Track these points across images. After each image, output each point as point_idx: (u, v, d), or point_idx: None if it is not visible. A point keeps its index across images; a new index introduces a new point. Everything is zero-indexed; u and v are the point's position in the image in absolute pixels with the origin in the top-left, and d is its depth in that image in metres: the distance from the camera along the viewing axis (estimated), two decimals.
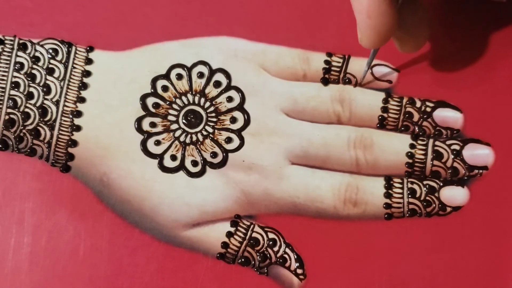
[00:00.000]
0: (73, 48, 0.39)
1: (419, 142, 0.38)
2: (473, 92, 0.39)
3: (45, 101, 0.37)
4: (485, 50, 0.40)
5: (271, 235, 0.36)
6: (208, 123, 0.38)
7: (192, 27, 0.40)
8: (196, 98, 0.38)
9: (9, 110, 0.37)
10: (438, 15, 0.40)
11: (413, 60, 0.39)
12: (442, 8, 0.40)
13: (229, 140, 0.37)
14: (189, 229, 0.36)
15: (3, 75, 0.37)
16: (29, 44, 0.38)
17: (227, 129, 0.38)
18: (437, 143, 0.38)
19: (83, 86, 0.38)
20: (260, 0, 0.40)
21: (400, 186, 0.37)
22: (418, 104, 0.39)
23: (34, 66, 0.38)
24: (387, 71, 0.39)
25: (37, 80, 0.38)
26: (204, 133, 0.38)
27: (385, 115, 0.38)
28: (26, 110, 0.37)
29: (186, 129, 0.38)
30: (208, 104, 0.38)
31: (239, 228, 0.36)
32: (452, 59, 0.39)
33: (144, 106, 0.38)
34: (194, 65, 0.39)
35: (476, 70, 0.39)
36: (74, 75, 0.38)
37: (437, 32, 0.40)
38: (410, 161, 0.38)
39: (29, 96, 0.37)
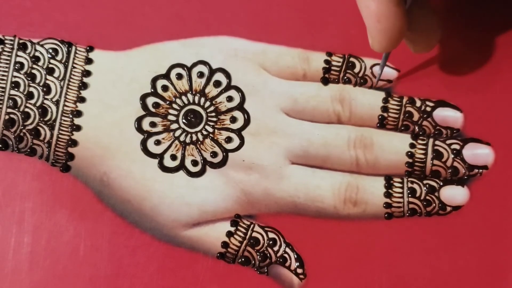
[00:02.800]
0: (73, 48, 0.39)
1: (419, 141, 0.38)
2: (473, 92, 0.39)
3: (45, 101, 0.37)
4: (485, 50, 0.40)
5: (271, 235, 0.36)
6: (208, 122, 0.38)
7: (192, 27, 0.40)
8: (196, 98, 0.38)
9: (9, 110, 0.37)
10: (441, 15, 0.40)
11: (413, 59, 0.39)
12: (444, 8, 0.40)
13: (229, 139, 0.37)
14: (189, 228, 0.36)
15: (3, 75, 0.37)
16: (29, 44, 0.38)
17: (227, 129, 0.38)
18: (437, 142, 0.38)
19: (83, 85, 0.38)
20: (260, 0, 0.40)
21: (400, 185, 0.37)
22: (418, 103, 0.39)
23: (34, 66, 0.38)
24: (387, 70, 0.39)
25: (37, 80, 0.38)
26: (204, 132, 0.38)
27: (385, 114, 0.38)
28: (26, 110, 0.37)
29: (186, 128, 0.38)
30: (208, 103, 0.38)
31: (239, 227, 0.36)
32: (452, 58, 0.39)
33: (144, 106, 0.38)
34: (194, 64, 0.39)
35: (476, 69, 0.39)
36: (74, 75, 0.38)
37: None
38: (410, 160, 0.38)
39: (29, 96, 0.37)
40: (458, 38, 0.40)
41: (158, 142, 0.37)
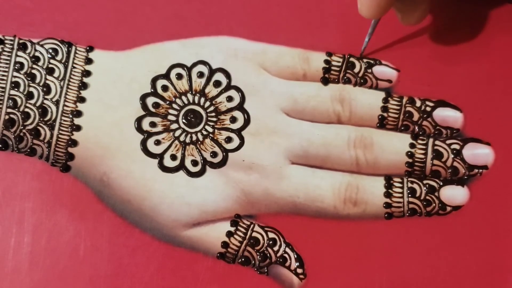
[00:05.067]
0: (73, 48, 0.39)
1: (419, 141, 0.38)
2: (473, 92, 0.39)
3: (45, 101, 0.37)
4: (486, 50, 0.40)
5: (271, 235, 0.36)
6: (208, 122, 0.38)
7: (192, 27, 0.40)
8: (196, 98, 0.38)
9: (9, 110, 0.37)
10: (440, 13, 0.40)
11: (414, 59, 0.39)
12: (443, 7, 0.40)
13: (229, 139, 0.37)
14: (189, 228, 0.36)
15: (3, 75, 0.37)
16: (29, 44, 0.38)
17: (227, 129, 0.38)
18: (437, 142, 0.38)
19: (83, 86, 0.38)
20: (260, 0, 0.40)
21: (400, 185, 0.37)
22: (418, 103, 0.39)
23: (34, 66, 0.38)
24: (387, 70, 0.39)
25: (37, 80, 0.38)
26: (204, 132, 0.38)
27: (385, 114, 0.38)
28: (26, 110, 0.37)
29: (186, 128, 0.38)
30: (208, 103, 0.38)
31: (239, 227, 0.36)
32: (452, 58, 0.39)
33: (144, 106, 0.38)
34: (194, 64, 0.39)
35: (477, 69, 0.39)
36: (74, 75, 0.38)
37: (436, 31, 0.40)
38: (410, 160, 0.38)
39: (29, 96, 0.37)
40: (459, 37, 0.40)
41: (158, 142, 0.37)
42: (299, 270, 0.36)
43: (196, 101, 0.38)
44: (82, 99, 0.38)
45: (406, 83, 0.39)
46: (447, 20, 0.40)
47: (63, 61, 0.38)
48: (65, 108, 0.37)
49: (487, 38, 0.40)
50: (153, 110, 0.38)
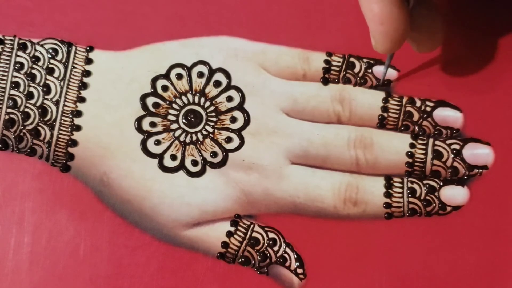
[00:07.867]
0: (73, 48, 0.39)
1: (419, 141, 0.38)
2: (473, 92, 0.39)
3: (45, 101, 0.37)
4: (485, 50, 0.40)
5: (271, 235, 0.36)
6: (208, 122, 0.38)
7: (192, 27, 0.40)
8: (196, 98, 0.38)
9: (9, 110, 0.37)
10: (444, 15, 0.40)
11: (413, 60, 0.39)
12: (447, 8, 0.40)
13: (229, 139, 0.37)
14: (189, 228, 0.36)
15: (3, 75, 0.37)
16: (29, 44, 0.38)
17: (227, 129, 0.38)
18: (437, 142, 0.38)
19: (83, 86, 0.38)
20: (260, 0, 0.40)
21: (400, 185, 0.37)
22: (418, 103, 0.39)
23: (34, 66, 0.38)
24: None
25: (37, 80, 0.38)
26: (204, 132, 0.38)
27: (385, 114, 0.38)
28: (26, 110, 0.37)
29: (186, 128, 0.38)
30: (208, 103, 0.38)
31: (239, 227, 0.36)
32: (452, 59, 0.39)
33: (144, 106, 0.38)
34: (194, 64, 0.39)
35: (476, 69, 0.39)
36: (74, 75, 0.38)
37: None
38: (410, 160, 0.38)
39: (29, 96, 0.37)
40: (459, 38, 0.40)
41: (158, 142, 0.37)
42: (299, 270, 0.36)
43: (196, 101, 0.38)
44: (82, 99, 0.38)
45: (406, 83, 0.39)
46: (450, 22, 0.40)
47: (63, 61, 0.38)
48: (65, 108, 0.37)
49: (488, 38, 0.40)
50: (153, 110, 0.38)
